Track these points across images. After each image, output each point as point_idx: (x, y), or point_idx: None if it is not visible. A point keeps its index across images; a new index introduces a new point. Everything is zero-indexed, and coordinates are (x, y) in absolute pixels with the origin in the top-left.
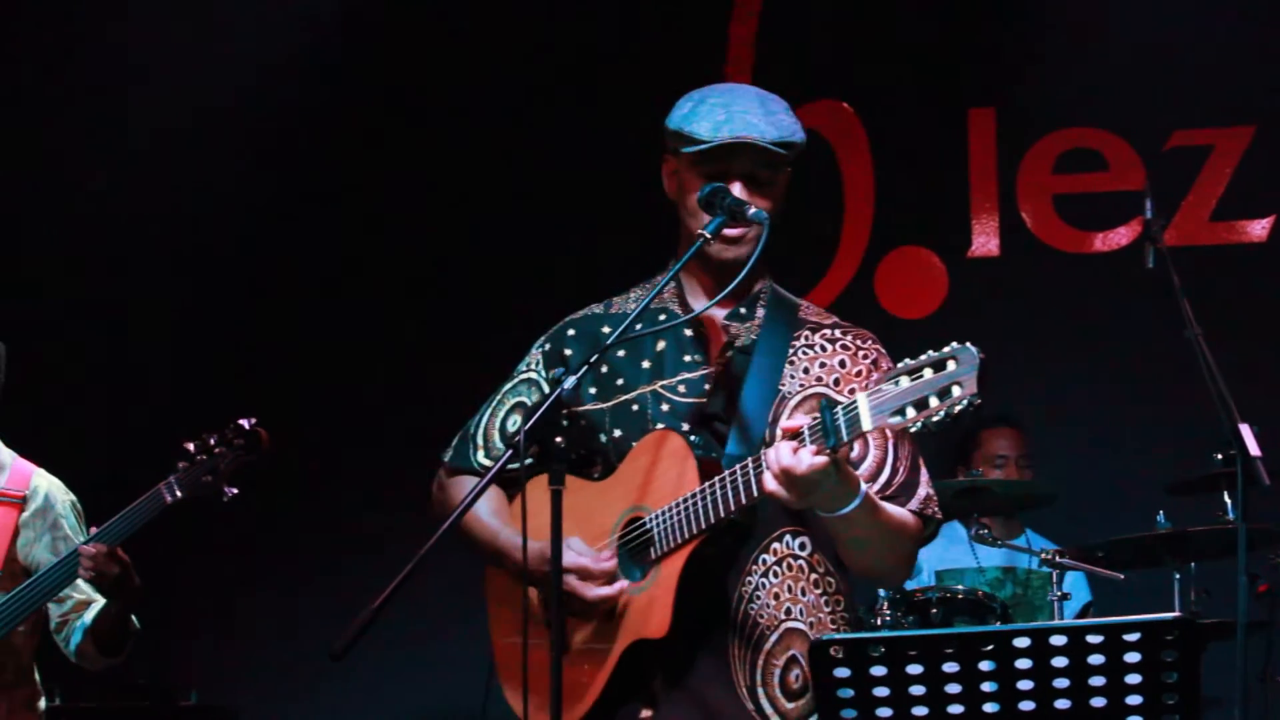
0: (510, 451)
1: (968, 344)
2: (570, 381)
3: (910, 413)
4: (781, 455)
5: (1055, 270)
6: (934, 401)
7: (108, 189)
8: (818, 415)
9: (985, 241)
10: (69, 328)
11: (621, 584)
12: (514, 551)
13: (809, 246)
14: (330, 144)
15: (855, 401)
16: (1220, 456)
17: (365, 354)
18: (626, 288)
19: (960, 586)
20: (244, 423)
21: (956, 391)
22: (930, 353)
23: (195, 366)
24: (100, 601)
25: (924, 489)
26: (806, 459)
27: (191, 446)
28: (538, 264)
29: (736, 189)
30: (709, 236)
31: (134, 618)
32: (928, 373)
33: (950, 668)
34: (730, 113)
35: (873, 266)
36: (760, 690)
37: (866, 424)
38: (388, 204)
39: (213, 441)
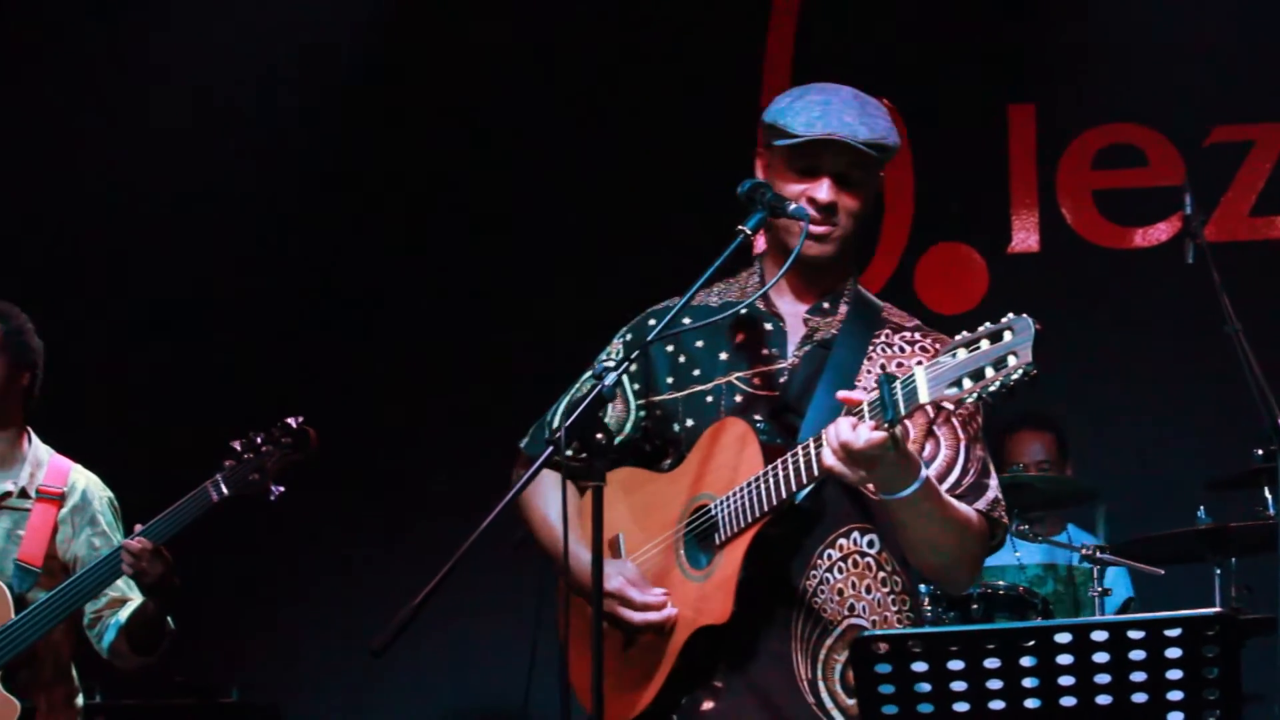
0: (551, 449)
1: (1024, 314)
2: (611, 379)
3: (967, 384)
4: (841, 430)
5: (1095, 266)
6: (990, 372)
7: (143, 186)
8: (876, 389)
9: (1025, 237)
10: (108, 325)
11: (670, 612)
12: (573, 560)
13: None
14: (374, 137)
15: (913, 374)
16: (1261, 452)
17: (412, 352)
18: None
19: (1001, 583)
20: (291, 421)
21: (1012, 361)
22: (988, 324)
23: (235, 363)
24: (136, 599)
25: (993, 492)
26: (865, 433)
27: (238, 445)
28: (601, 258)
29: (825, 187)
30: (749, 233)
31: (170, 618)
32: (984, 344)
33: (992, 663)
34: (826, 110)
35: (913, 262)
36: (821, 685)
37: (923, 396)
38: (449, 196)
39: (260, 440)
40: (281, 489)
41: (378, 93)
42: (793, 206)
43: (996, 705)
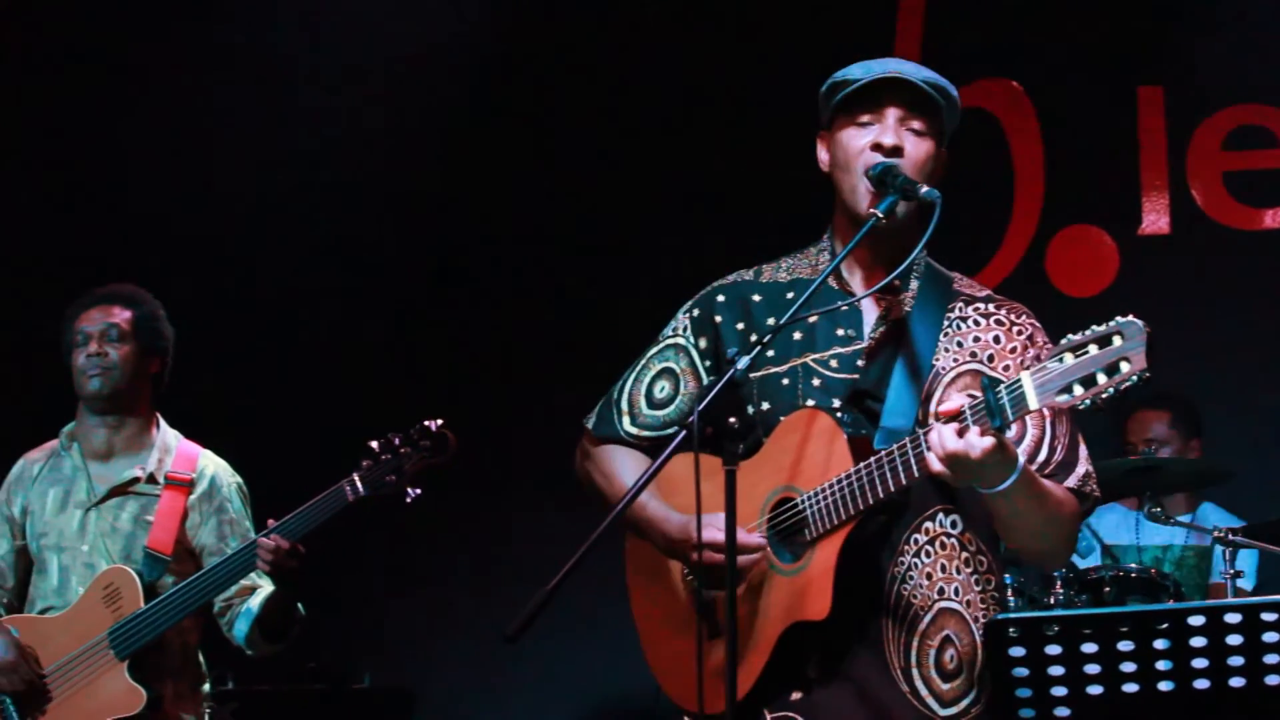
0: (683, 434)
1: (1131, 317)
2: (744, 361)
3: (1078, 390)
4: (946, 440)
5: (1225, 247)
6: (1102, 378)
7: (279, 186)
8: (977, 395)
9: (1155, 219)
10: (237, 315)
11: (758, 555)
12: (661, 524)
13: (979, 225)
14: (489, 135)
15: (1019, 380)
16: None
17: (533, 340)
18: (775, 256)
19: (1134, 565)
20: (431, 424)
21: (1125, 368)
22: (1094, 328)
23: (359, 358)
24: (265, 588)
25: (1083, 466)
26: (978, 443)
27: (376, 445)
28: (684, 234)
29: (889, 129)
30: (881, 216)
31: (300, 605)
32: (1092, 349)
33: (1125, 646)
34: (884, 62)
35: (1043, 245)
36: (915, 671)
37: (1033, 403)
38: (558, 197)
39: (398, 441)
40: (418, 492)
41: (483, 92)
42: (924, 189)
43: (1130, 688)
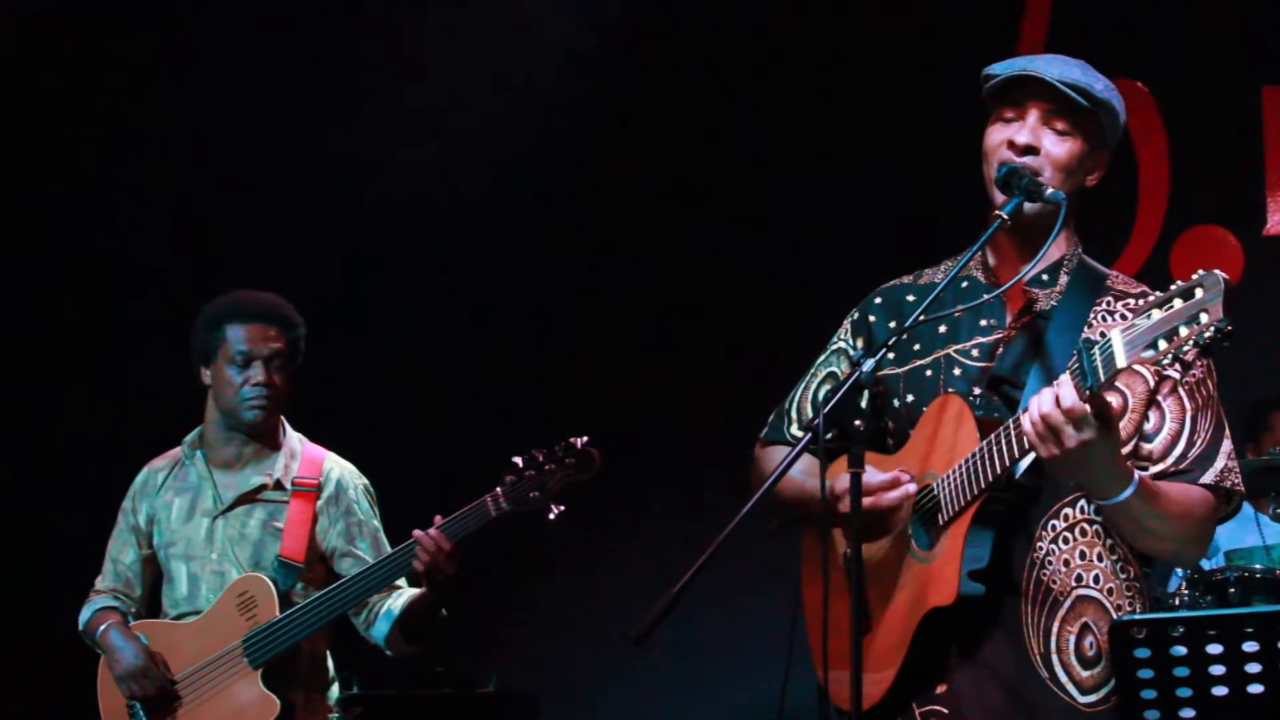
0: (808, 435)
1: (1215, 270)
2: (869, 364)
3: (1162, 345)
4: (1043, 401)
5: None
6: (1184, 330)
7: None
8: (1077, 358)
9: None
10: (367, 317)
11: (908, 488)
12: (817, 494)
13: (1104, 227)
14: (622, 136)
15: (1109, 339)
16: None
17: (668, 343)
18: (938, 260)
19: (1258, 566)
20: (576, 441)
21: (1204, 319)
22: (1179, 282)
23: (495, 366)
24: (405, 589)
25: (1222, 460)
26: (1068, 395)
27: (520, 461)
28: (850, 243)
29: (1025, 129)
30: (1006, 218)
31: (444, 608)
32: (1177, 302)
33: (1250, 647)
34: (1032, 59)
35: (1168, 245)
36: (1055, 658)
37: (1121, 360)
38: (687, 197)
39: (542, 458)
40: (562, 508)
41: (611, 98)
42: (1049, 191)
43: (1255, 689)
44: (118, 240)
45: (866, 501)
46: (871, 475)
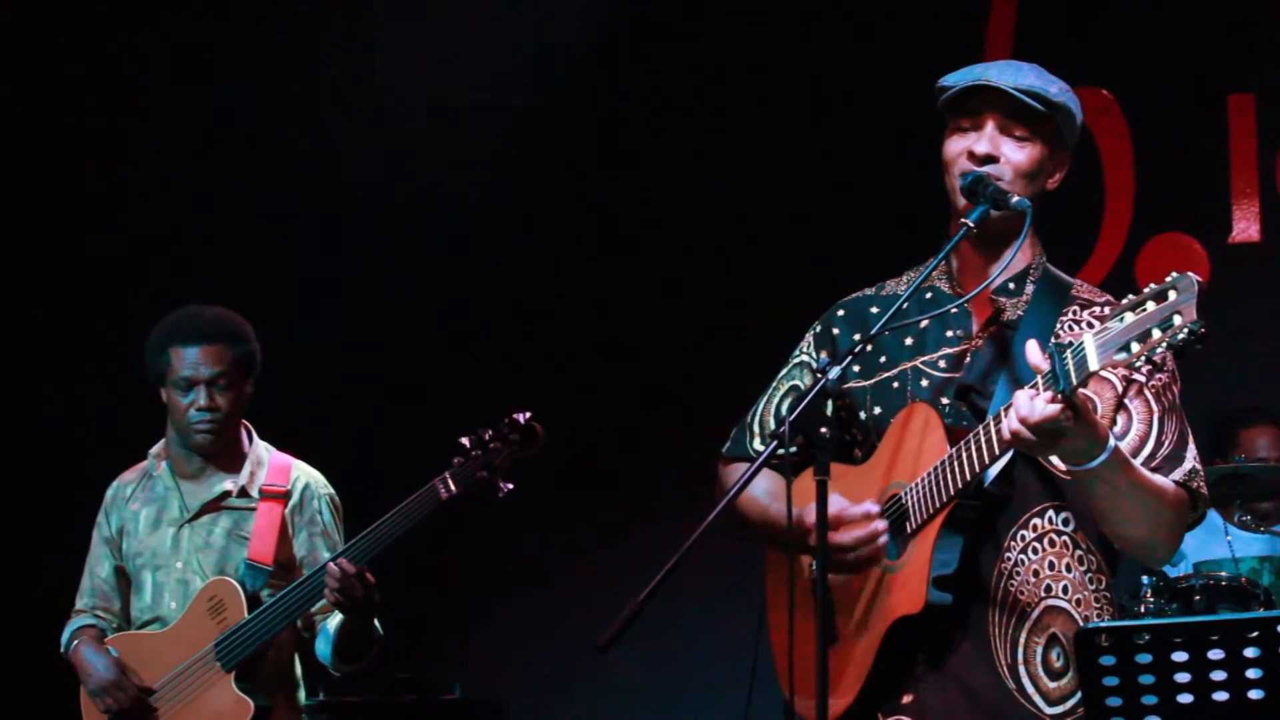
0: (775, 443)
1: (1189, 273)
2: (835, 372)
3: (1135, 347)
4: (1019, 404)
5: None
6: (1156, 333)
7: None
8: (1050, 360)
9: (1246, 227)
10: (323, 320)
11: (879, 524)
12: (782, 520)
13: (1070, 234)
14: (599, 135)
15: (1082, 342)
16: None
17: (629, 348)
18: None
19: (1223, 574)
20: (519, 417)
21: (1178, 320)
22: (1152, 285)
23: (451, 359)
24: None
25: (1189, 463)
26: (1040, 406)
27: (467, 442)
28: (812, 253)
29: (983, 138)
30: (972, 226)
31: (377, 624)
32: (1150, 305)
33: (1215, 655)
34: (986, 67)
35: (1134, 253)
36: (1022, 669)
37: (1093, 364)
38: (667, 198)
39: (488, 436)
40: (510, 486)
41: (599, 97)
42: (1014, 199)
43: (1220, 696)
44: (83, 246)
45: (835, 536)
46: (845, 508)
